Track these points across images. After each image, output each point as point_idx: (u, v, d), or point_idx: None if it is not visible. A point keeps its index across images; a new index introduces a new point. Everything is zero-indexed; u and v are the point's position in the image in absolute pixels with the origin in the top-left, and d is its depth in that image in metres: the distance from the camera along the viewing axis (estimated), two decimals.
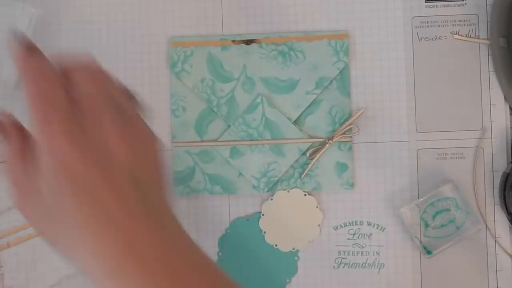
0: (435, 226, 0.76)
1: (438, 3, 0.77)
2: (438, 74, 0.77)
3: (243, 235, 0.78)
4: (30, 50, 0.50)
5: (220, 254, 0.78)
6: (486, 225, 0.77)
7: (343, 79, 0.77)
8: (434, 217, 0.76)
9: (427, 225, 0.76)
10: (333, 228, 0.78)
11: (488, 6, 0.77)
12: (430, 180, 0.77)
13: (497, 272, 0.77)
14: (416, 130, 0.77)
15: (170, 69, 0.78)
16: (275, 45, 0.77)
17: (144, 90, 0.78)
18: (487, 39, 0.77)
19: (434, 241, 0.76)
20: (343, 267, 0.77)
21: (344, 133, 0.77)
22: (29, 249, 0.78)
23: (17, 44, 0.50)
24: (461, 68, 0.77)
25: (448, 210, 0.76)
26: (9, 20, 0.77)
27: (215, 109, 0.77)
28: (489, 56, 0.77)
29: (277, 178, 0.77)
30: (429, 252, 0.75)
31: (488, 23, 0.77)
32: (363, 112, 0.77)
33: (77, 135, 0.47)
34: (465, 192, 0.76)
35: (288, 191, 0.77)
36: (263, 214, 0.77)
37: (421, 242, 0.76)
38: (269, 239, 0.77)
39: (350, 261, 0.77)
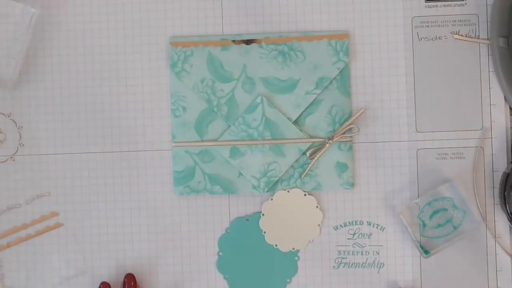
0: (432, 226, 0.76)
1: (438, 3, 0.77)
2: (438, 74, 0.77)
3: (243, 235, 0.78)
4: None
5: (220, 254, 0.78)
6: (486, 225, 0.77)
7: (343, 79, 0.77)
8: (431, 217, 0.76)
9: (424, 225, 0.76)
10: (333, 228, 0.78)
11: (488, 6, 0.77)
12: (430, 180, 0.77)
13: (497, 272, 0.77)
14: (416, 130, 0.78)
15: (170, 69, 0.78)
16: (275, 45, 0.77)
17: (144, 90, 0.78)
18: (487, 39, 0.77)
19: (432, 241, 0.76)
20: (343, 267, 0.77)
21: (344, 133, 0.77)
22: (29, 249, 0.78)
23: None
24: (461, 68, 0.77)
25: (445, 209, 0.76)
26: (9, 20, 0.77)
27: (215, 109, 0.77)
28: (489, 56, 0.77)
29: (277, 178, 0.77)
30: (426, 252, 0.75)
31: (488, 23, 0.77)
32: (363, 112, 0.77)
33: None
34: (465, 192, 0.76)
35: (288, 191, 0.77)
36: (263, 214, 0.77)
37: (419, 242, 0.76)
38: (269, 239, 0.77)
39: (350, 261, 0.77)
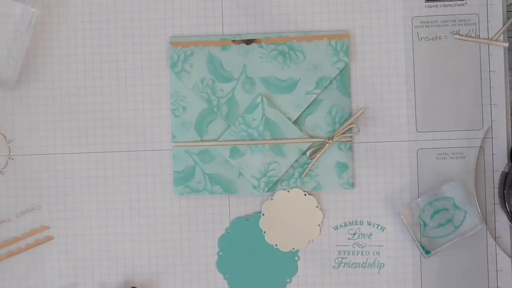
0: (433, 226, 0.76)
1: (438, 3, 0.77)
2: (438, 74, 0.77)
3: (243, 235, 0.78)
4: None
5: (220, 254, 0.78)
6: (486, 225, 0.77)
7: (343, 79, 0.77)
8: (432, 216, 0.76)
9: (425, 225, 0.76)
10: (333, 228, 0.78)
11: (488, 6, 0.77)
12: (430, 180, 0.77)
13: (497, 272, 0.76)
14: (416, 130, 0.77)
15: (170, 69, 0.78)
16: (275, 45, 0.77)
17: (144, 90, 0.78)
18: (487, 39, 0.77)
19: (433, 241, 0.76)
20: (343, 267, 0.77)
21: (344, 133, 0.77)
22: (21, 264, 0.78)
23: None
24: (461, 68, 0.77)
25: (446, 209, 0.76)
26: (9, 20, 0.77)
27: (215, 109, 0.77)
28: (489, 56, 0.77)
29: (277, 178, 0.77)
30: (427, 252, 0.75)
31: (488, 22, 0.77)
32: (363, 112, 0.77)
33: None
34: (465, 192, 0.76)
35: (288, 191, 0.77)
36: (263, 214, 0.77)
37: (419, 242, 0.76)
38: (269, 239, 0.77)
39: (350, 261, 0.77)
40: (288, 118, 0.77)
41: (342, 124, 0.77)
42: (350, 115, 0.77)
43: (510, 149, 0.76)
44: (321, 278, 0.78)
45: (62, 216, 0.78)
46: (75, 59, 0.78)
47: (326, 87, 0.77)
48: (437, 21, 0.78)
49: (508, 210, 0.74)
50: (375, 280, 0.77)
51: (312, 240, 0.77)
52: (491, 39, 0.77)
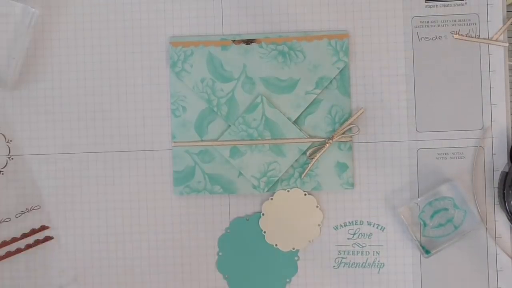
0: (433, 226, 0.76)
1: (438, 3, 0.77)
2: (438, 74, 0.78)
3: (243, 235, 0.78)
4: None
5: (220, 254, 0.78)
6: (486, 225, 0.77)
7: (343, 79, 0.77)
8: (432, 216, 0.76)
9: (425, 225, 0.76)
10: (333, 228, 0.78)
11: (488, 6, 0.77)
12: (430, 180, 0.77)
13: (498, 272, 0.76)
14: (416, 130, 0.78)
15: (170, 69, 0.78)
16: (275, 45, 0.77)
17: (144, 90, 0.78)
18: (487, 38, 0.77)
19: (433, 241, 0.76)
20: (343, 267, 0.77)
21: (344, 133, 0.77)
22: (20, 264, 0.78)
23: None
24: (461, 68, 0.77)
25: (446, 209, 0.76)
26: (9, 20, 0.77)
27: (215, 109, 0.77)
28: (489, 56, 0.77)
29: (277, 178, 0.77)
30: (427, 252, 0.75)
31: (488, 22, 0.77)
32: (363, 112, 0.77)
33: None
34: (465, 191, 0.76)
35: (288, 191, 0.77)
36: (263, 214, 0.77)
37: (419, 242, 0.76)
38: (269, 239, 0.77)
39: (350, 261, 0.77)
40: (288, 118, 0.77)
41: (342, 124, 0.77)
42: (350, 115, 0.77)
43: (510, 149, 0.76)
44: (321, 278, 0.78)
45: (62, 216, 0.78)
46: (75, 59, 0.79)
47: (326, 87, 0.77)
48: (437, 21, 0.78)
49: (508, 210, 0.74)
50: (375, 280, 0.77)
51: (312, 240, 0.77)
52: (491, 39, 0.77)
